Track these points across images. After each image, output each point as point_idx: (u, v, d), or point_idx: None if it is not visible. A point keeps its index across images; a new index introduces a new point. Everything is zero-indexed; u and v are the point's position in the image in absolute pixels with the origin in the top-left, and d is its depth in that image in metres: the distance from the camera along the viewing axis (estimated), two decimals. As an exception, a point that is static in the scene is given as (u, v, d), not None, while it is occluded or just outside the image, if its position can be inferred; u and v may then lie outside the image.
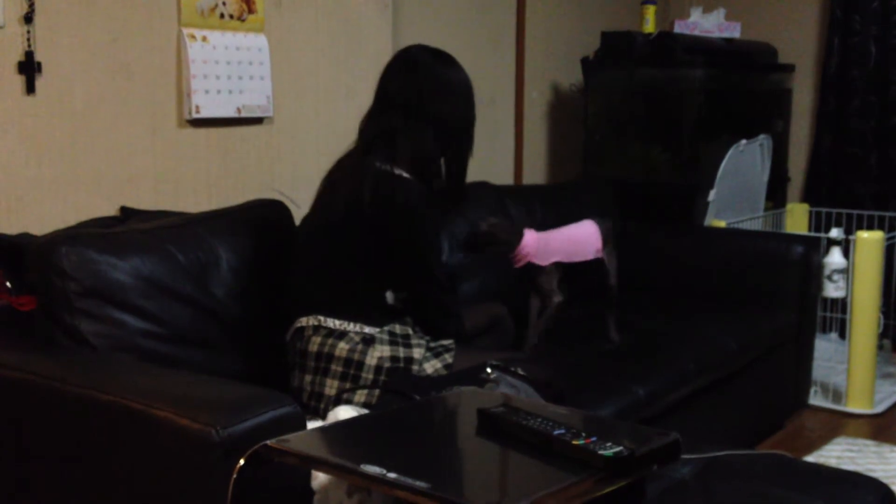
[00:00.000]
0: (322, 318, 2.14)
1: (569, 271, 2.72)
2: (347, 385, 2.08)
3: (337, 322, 2.13)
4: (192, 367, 2.10)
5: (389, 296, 2.19)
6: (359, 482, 1.55)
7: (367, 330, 2.12)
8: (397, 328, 2.15)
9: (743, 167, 3.88)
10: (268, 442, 1.46)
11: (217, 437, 1.54)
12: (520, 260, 2.63)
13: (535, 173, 4.09)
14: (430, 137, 2.22)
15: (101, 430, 1.75)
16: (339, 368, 2.09)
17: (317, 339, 2.13)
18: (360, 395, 2.07)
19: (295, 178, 2.91)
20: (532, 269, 2.65)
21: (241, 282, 2.29)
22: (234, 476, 1.45)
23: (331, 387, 2.09)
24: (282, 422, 1.61)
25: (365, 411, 1.86)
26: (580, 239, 2.74)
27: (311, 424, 1.73)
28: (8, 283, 2.16)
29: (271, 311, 2.33)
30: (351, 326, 2.12)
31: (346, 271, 2.18)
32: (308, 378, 2.13)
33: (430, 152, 2.23)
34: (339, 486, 1.65)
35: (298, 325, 2.18)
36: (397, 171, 2.17)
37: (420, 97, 2.22)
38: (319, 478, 1.66)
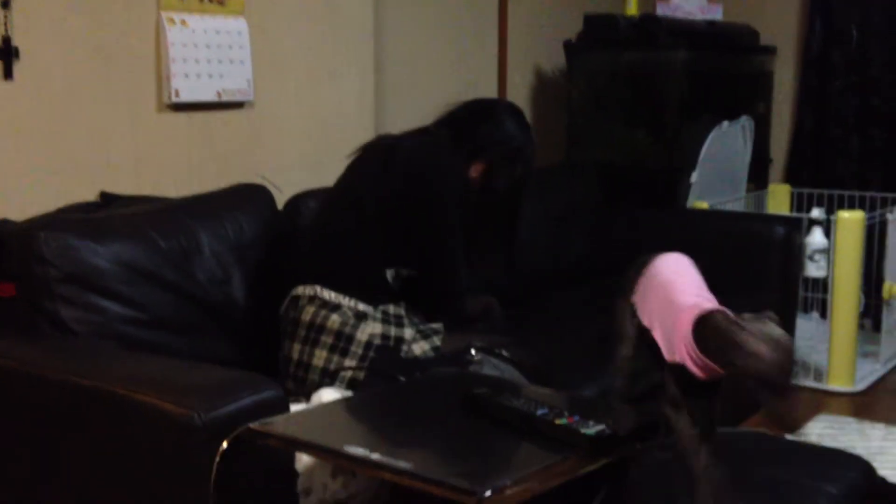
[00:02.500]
0: (319, 288, 2.15)
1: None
2: (335, 358, 2.08)
3: (333, 294, 2.14)
4: (174, 353, 2.09)
5: (390, 274, 2.20)
6: (343, 464, 1.56)
7: (362, 307, 2.13)
8: (391, 308, 2.16)
9: (725, 149, 3.88)
10: (251, 425, 1.47)
11: (199, 421, 1.53)
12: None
13: (519, 157, 4.08)
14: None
15: (83, 416, 1.74)
16: (330, 340, 2.10)
17: (311, 309, 2.14)
18: (347, 371, 2.07)
19: (277, 162, 2.90)
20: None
21: (224, 267, 2.29)
22: (217, 459, 1.45)
23: (319, 357, 2.10)
24: (265, 405, 1.60)
25: (349, 393, 1.87)
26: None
27: (295, 407, 1.73)
28: (-13, 270, 2.14)
29: (254, 295, 2.32)
30: (346, 300, 2.13)
31: (351, 246, 2.20)
32: (297, 347, 2.13)
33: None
34: (323, 468, 1.66)
35: (294, 293, 2.19)
36: (441, 143, 2.28)
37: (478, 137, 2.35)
38: (303, 460, 1.67)
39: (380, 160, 2.25)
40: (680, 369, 1.53)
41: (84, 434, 1.74)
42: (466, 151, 2.31)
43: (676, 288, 1.61)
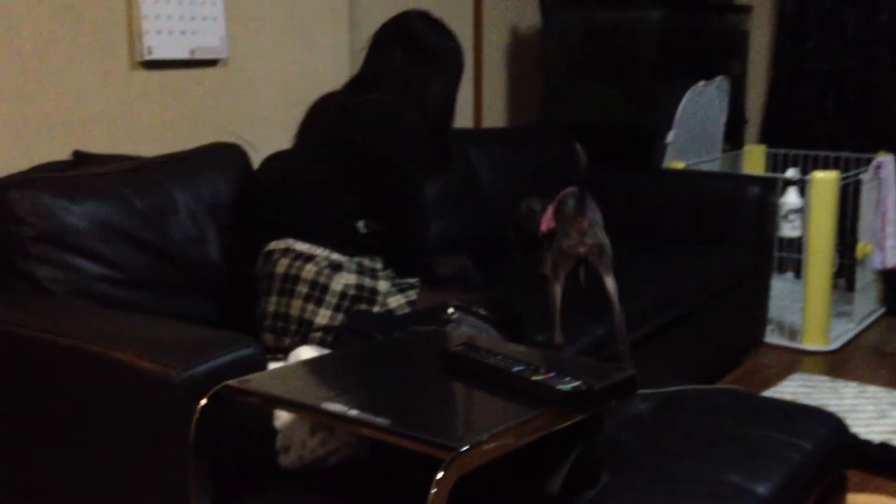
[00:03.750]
0: (291, 241, 2.15)
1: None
2: (311, 307, 2.08)
3: (306, 246, 2.14)
4: (150, 312, 2.08)
5: (361, 225, 2.20)
6: (321, 420, 1.56)
7: (336, 256, 2.13)
8: (366, 261, 2.16)
9: (701, 109, 3.89)
10: (229, 382, 1.46)
11: (178, 378, 1.53)
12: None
13: (495, 116, 4.07)
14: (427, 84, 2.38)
15: (61, 374, 1.73)
16: (305, 290, 2.10)
17: (284, 262, 2.13)
18: (323, 317, 2.07)
19: (251, 120, 2.88)
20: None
21: (200, 225, 2.27)
22: (196, 417, 1.45)
23: (295, 308, 2.09)
24: (243, 363, 1.61)
25: (326, 351, 1.87)
26: None
27: (273, 365, 1.73)
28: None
29: (230, 254, 2.31)
30: (320, 251, 2.13)
31: (318, 198, 2.21)
32: (273, 299, 2.13)
33: (423, 84, 2.37)
34: (301, 426, 1.66)
35: (267, 249, 2.18)
36: (391, 98, 2.30)
37: (414, 69, 2.36)
38: (282, 417, 1.67)
39: (336, 118, 2.28)
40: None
41: (62, 393, 1.74)
42: (414, 93, 2.34)
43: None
